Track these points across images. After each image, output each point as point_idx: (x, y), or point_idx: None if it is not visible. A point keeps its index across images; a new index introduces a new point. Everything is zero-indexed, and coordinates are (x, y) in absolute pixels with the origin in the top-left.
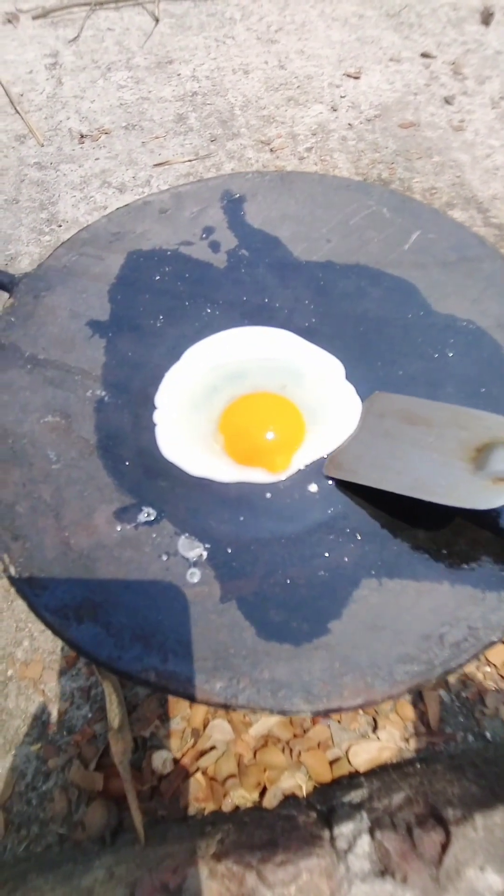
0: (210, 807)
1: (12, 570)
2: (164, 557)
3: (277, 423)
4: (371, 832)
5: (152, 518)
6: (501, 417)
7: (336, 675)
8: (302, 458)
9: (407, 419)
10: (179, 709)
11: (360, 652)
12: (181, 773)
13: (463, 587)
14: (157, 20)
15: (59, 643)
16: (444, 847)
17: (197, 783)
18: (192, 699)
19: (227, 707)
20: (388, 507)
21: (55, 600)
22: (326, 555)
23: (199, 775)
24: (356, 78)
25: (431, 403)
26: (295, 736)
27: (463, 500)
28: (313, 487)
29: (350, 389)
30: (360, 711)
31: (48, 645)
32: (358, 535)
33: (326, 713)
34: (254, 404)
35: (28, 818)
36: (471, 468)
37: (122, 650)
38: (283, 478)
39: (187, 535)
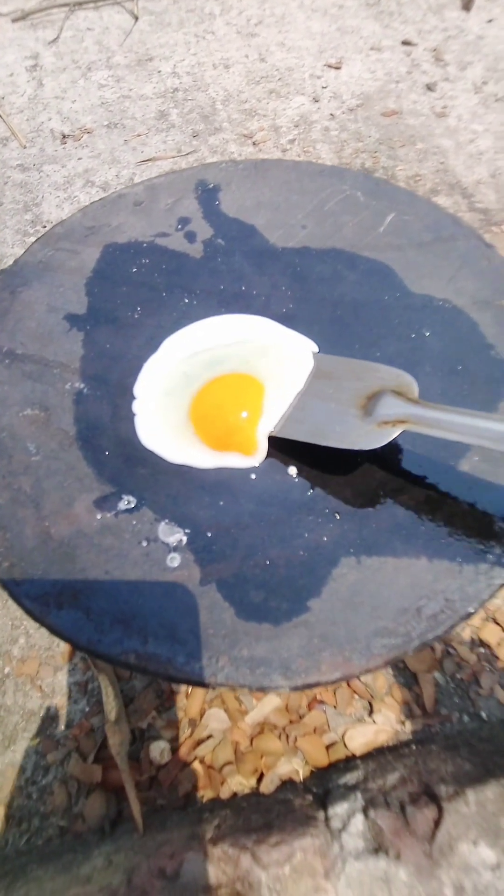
0: (208, 794)
1: None
2: (144, 543)
3: (236, 402)
4: (365, 811)
5: (132, 506)
6: (393, 369)
7: (314, 650)
8: (266, 428)
9: (317, 374)
10: (176, 700)
11: (339, 628)
12: (179, 763)
13: (440, 561)
14: (136, 18)
15: (55, 640)
16: (437, 823)
17: (195, 772)
18: (171, 679)
19: (206, 685)
20: (367, 487)
21: (35, 588)
22: (306, 535)
23: (196, 764)
24: (337, 68)
25: (339, 359)
26: (291, 722)
27: (352, 443)
28: (292, 470)
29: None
30: (356, 696)
31: (44, 641)
32: (337, 515)
33: (305, 688)
34: (213, 389)
35: (28, 812)
36: (360, 414)
37: (103, 634)
38: (259, 458)
39: (167, 521)
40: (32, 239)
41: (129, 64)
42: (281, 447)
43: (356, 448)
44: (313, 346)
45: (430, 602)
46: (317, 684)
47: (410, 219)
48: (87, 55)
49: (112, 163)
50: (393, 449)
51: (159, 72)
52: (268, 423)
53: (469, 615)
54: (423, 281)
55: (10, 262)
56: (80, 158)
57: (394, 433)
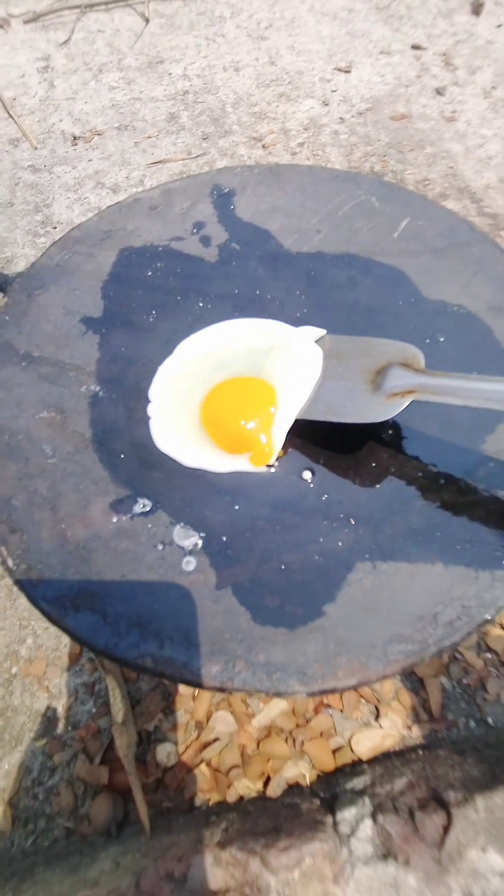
0: (215, 797)
1: (10, 563)
2: (160, 547)
3: (246, 405)
4: (373, 816)
5: (147, 509)
6: (398, 343)
7: (330, 656)
8: (282, 431)
9: (326, 356)
10: (183, 702)
11: (355, 633)
12: (185, 765)
13: (456, 567)
14: (147, 20)
15: (63, 640)
16: (446, 829)
17: (201, 774)
18: (188, 683)
19: (222, 690)
20: (382, 492)
21: (52, 590)
22: (321, 540)
23: (203, 767)
24: (347, 72)
25: (346, 338)
26: (298, 726)
27: (363, 417)
28: (307, 475)
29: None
30: (363, 700)
31: (51, 642)
32: (352, 520)
33: (321, 693)
34: (224, 392)
35: (35, 813)
36: (370, 389)
37: (119, 637)
38: (273, 460)
39: (182, 524)
40: (43, 239)
41: (140, 66)
42: (299, 447)
43: (369, 421)
44: (319, 331)
45: (446, 608)
46: (333, 690)
47: (425, 224)
48: (98, 57)
49: (122, 164)
50: (408, 454)
51: (170, 74)
52: (281, 425)
53: (486, 622)
54: (438, 286)
55: (21, 262)
56: (90, 160)
57: (403, 403)
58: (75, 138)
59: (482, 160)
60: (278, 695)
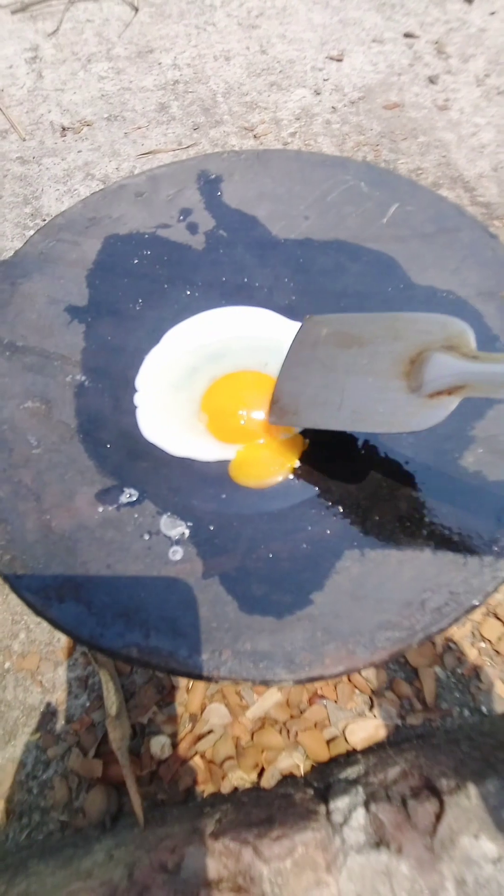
0: (209, 789)
1: None
2: (146, 537)
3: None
4: (366, 805)
5: (134, 499)
6: (436, 316)
7: (318, 644)
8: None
9: (340, 342)
10: (177, 695)
11: (342, 621)
12: (179, 758)
13: (444, 554)
14: (136, 10)
15: (56, 635)
16: (438, 817)
17: (195, 766)
18: (174, 673)
19: (209, 679)
20: (370, 480)
21: (36, 581)
22: (309, 528)
23: (197, 759)
24: (339, 60)
25: (366, 317)
26: (292, 717)
27: (402, 425)
28: (295, 463)
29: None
30: (357, 690)
31: (44, 637)
32: (340, 508)
33: (308, 681)
34: (237, 382)
35: (29, 807)
36: (405, 386)
37: (105, 627)
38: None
39: (169, 514)
40: (32, 232)
41: (130, 56)
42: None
43: (408, 430)
44: None
45: (434, 595)
46: (320, 678)
47: (414, 209)
48: (86, 47)
49: (112, 155)
50: (396, 442)
51: (160, 64)
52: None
53: (474, 607)
54: (427, 272)
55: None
56: (79, 151)
57: (452, 405)
58: (64, 129)
59: (475, 149)
60: (265, 683)
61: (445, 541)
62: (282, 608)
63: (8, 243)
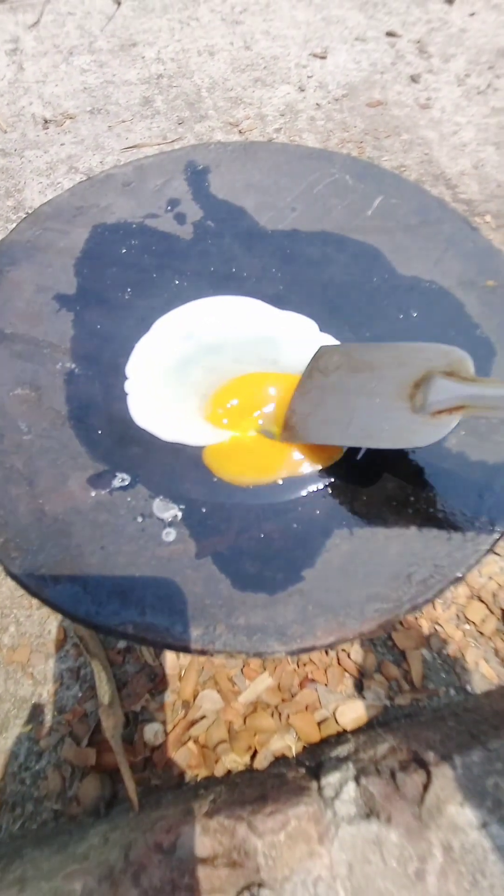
0: (202, 773)
1: None
2: (140, 519)
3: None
4: (356, 779)
5: (126, 483)
6: (438, 346)
7: (309, 617)
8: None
9: (351, 368)
10: (169, 682)
11: (332, 595)
12: (173, 743)
13: (430, 530)
14: (118, 3)
15: (46, 627)
16: (426, 787)
17: (189, 751)
18: (170, 647)
19: (204, 652)
20: (358, 462)
21: (31, 563)
22: (299, 509)
23: (190, 744)
24: (322, 58)
25: (375, 346)
26: (283, 700)
27: (407, 442)
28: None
29: (328, 338)
30: (346, 673)
31: (35, 629)
32: (329, 490)
33: (301, 651)
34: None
35: (22, 797)
36: (410, 406)
37: (100, 606)
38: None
39: (162, 497)
40: (15, 225)
41: (112, 49)
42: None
43: (412, 445)
44: (314, 326)
45: (420, 568)
46: (312, 648)
47: (398, 202)
48: (68, 39)
49: (96, 149)
50: None
51: (143, 58)
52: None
53: (458, 579)
54: (411, 263)
55: None
56: (62, 144)
57: (452, 423)
58: (46, 122)
59: (456, 147)
60: (258, 655)
61: (430, 518)
62: (274, 584)
63: None
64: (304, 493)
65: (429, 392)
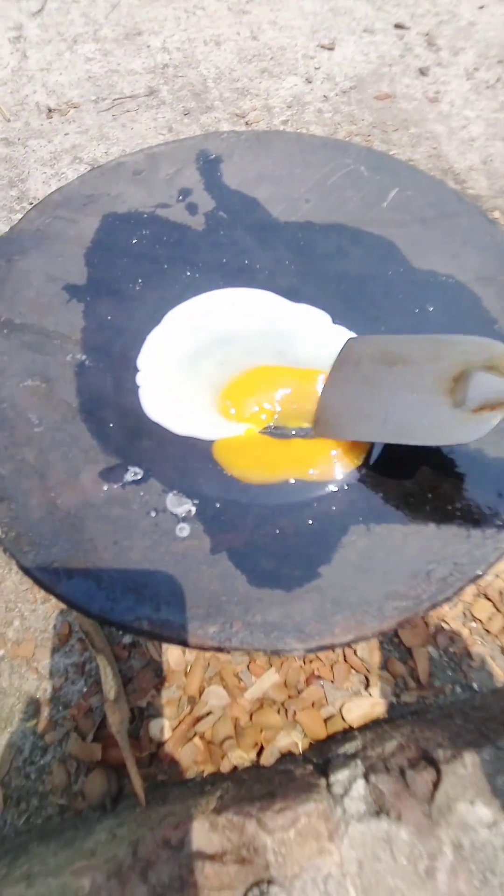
0: (209, 768)
1: None
2: (153, 514)
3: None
4: (365, 777)
5: (139, 477)
6: (477, 339)
7: (327, 614)
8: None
9: (385, 361)
10: (175, 678)
11: (350, 592)
12: (179, 739)
13: (448, 527)
14: None
15: (51, 622)
16: (436, 785)
17: (195, 747)
18: (186, 644)
19: (221, 650)
20: (375, 457)
21: (43, 558)
22: (315, 505)
23: (196, 740)
24: (330, 49)
25: (409, 338)
26: (290, 697)
27: (446, 438)
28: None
29: (341, 330)
30: (353, 670)
31: (39, 624)
32: (345, 485)
33: (319, 650)
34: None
35: (27, 792)
36: (450, 402)
37: (115, 602)
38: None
39: (175, 492)
40: (18, 216)
41: (117, 38)
42: None
43: (452, 443)
44: (327, 319)
45: (439, 566)
46: (331, 646)
47: (414, 194)
48: (73, 27)
49: (100, 139)
50: None
51: (148, 47)
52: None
53: (477, 577)
54: (427, 256)
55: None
56: (66, 134)
57: (495, 419)
58: (50, 111)
59: (465, 141)
60: (276, 653)
61: (449, 515)
62: (291, 581)
63: None
64: (318, 487)
65: (469, 387)
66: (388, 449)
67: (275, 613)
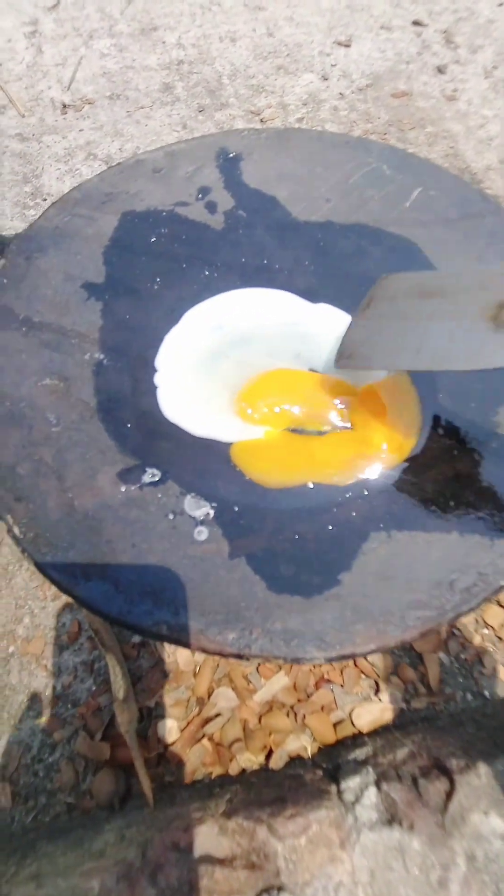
0: (217, 771)
1: (16, 531)
2: (171, 517)
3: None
4: (377, 784)
5: (157, 479)
6: None
7: (348, 623)
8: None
9: (421, 294)
10: (184, 679)
11: (372, 601)
12: (187, 740)
13: (472, 536)
14: None
15: (61, 619)
16: (449, 795)
17: (203, 749)
18: (204, 651)
19: (240, 657)
20: (395, 467)
21: (61, 559)
22: (334, 510)
23: (205, 741)
24: (347, 46)
25: (447, 273)
26: (299, 700)
27: (486, 361)
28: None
29: None
30: (363, 675)
31: (49, 621)
32: (365, 491)
33: (340, 659)
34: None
35: (35, 789)
36: (493, 327)
37: (133, 605)
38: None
39: (193, 494)
40: (32, 212)
41: (133, 33)
42: None
43: (495, 366)
44: (346, 319)
45: (462, 576)
46: (352, 655)
47: (437, 194)
48: (88, 22)
49: (115, 135)
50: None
51: (164, 42)
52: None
53: (502, 588)
54: (450, 258)
55: (10, 235)
56: (81, 130)
57: None
58: (65, 106)
59: (483, 141)
60: (296, 661)
61: (472, 523)
62: (310, 588)
63: (7, 222)
64: (338, 493)
65: None
66: (410, 455)
67: (294, 621)
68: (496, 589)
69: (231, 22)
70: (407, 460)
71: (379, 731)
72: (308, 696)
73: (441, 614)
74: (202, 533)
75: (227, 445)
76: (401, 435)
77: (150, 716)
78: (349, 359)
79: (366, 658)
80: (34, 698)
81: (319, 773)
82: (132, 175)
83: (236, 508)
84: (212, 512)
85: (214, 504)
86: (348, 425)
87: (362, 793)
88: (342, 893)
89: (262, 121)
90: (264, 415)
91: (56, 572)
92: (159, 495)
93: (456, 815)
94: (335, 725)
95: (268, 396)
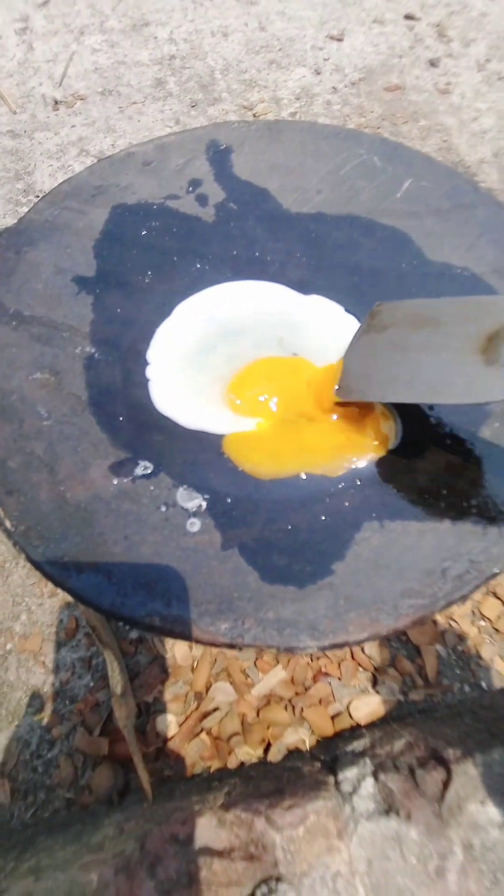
0: (215, 764)
1: (8, 524)
2: (163, 508)
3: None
4: (374, 775)
5: (149, 471)
6: None
7: (341, 612)
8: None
9: (413, 324)
10: (181, 673)
11: (364, 590)
12: (185, 735)
13: (464, 524)
14: None
15: (58, 615)
16: (446, 784)
17: (202, 743)
18: (197, 641)
19: (232, 646)
20: (388, 455)
21: (53, 551)
22: (327, 500)
23: (203, 735)
24: (339, 40)
25: (439, 301)
26: (297, 694)
27: (482, 395)
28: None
29: (352, 322)
30: (360, 668)
31: (47, 618)
32: (358, 481)
33: (333, 648)
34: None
35: (34, 785)
36: (483, 360)
37: (125, 597)
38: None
39: (185, 486)
40: (24, 209)
41: (124, 29)
42: None
43: (489, 399)
44: (339, 311)
45: (454, 564)
46: (345, 644)
47: (428, 185)
48: (79, 18)
49: (107, 131)
50: (412, 416)
51: (155, 38)
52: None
53: (494, 575)
54: (442, 249)
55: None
56: (73, 126)
57: None
58: (57, 103)
59: (476, 134)
60: (289, 650)
61: (464, 512)
62: (303, 578)
63: None
64: (331, 483)
65: None
66: (402, 445)
67: (287, 610)
68: (488, 576)
69: (223, 16)
70: (399, 450)
71: (376, 723)
72: (306, 690)
73: (433, 602)
74: (195, 524)
75: (220, 437)
76: (386, 419)
77: (149, 711)
78: (347, 392)
79: (362, 649)
80: (32, 695)
81: (317, 765)
82: (122, 168)
83: (229, 500)
84: (204, 503)
85: (207, 496)
86: (336, 415)
87: (360, 783)
88: (340, 883)
89: (254, 115)
90: (253, 405)
91: (48, 565)
92: (151, 488)
93: (453, 804)
94: (333, 718)
95: (254, 387)
